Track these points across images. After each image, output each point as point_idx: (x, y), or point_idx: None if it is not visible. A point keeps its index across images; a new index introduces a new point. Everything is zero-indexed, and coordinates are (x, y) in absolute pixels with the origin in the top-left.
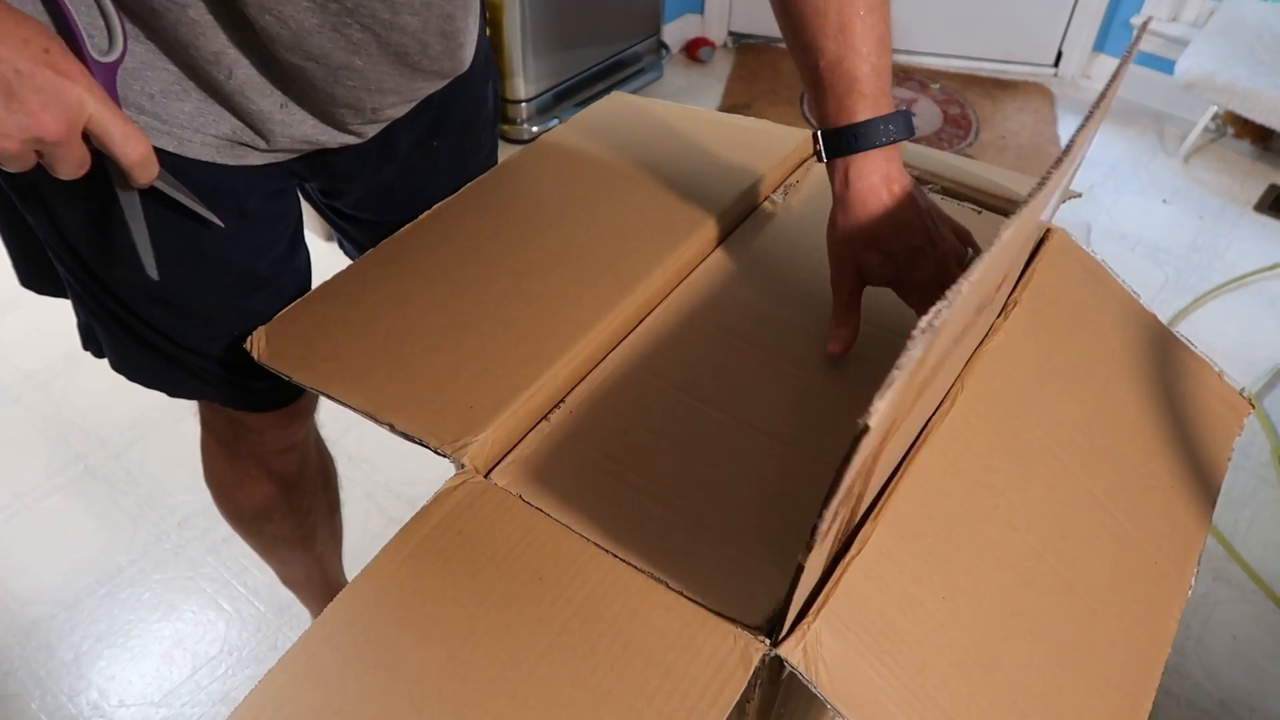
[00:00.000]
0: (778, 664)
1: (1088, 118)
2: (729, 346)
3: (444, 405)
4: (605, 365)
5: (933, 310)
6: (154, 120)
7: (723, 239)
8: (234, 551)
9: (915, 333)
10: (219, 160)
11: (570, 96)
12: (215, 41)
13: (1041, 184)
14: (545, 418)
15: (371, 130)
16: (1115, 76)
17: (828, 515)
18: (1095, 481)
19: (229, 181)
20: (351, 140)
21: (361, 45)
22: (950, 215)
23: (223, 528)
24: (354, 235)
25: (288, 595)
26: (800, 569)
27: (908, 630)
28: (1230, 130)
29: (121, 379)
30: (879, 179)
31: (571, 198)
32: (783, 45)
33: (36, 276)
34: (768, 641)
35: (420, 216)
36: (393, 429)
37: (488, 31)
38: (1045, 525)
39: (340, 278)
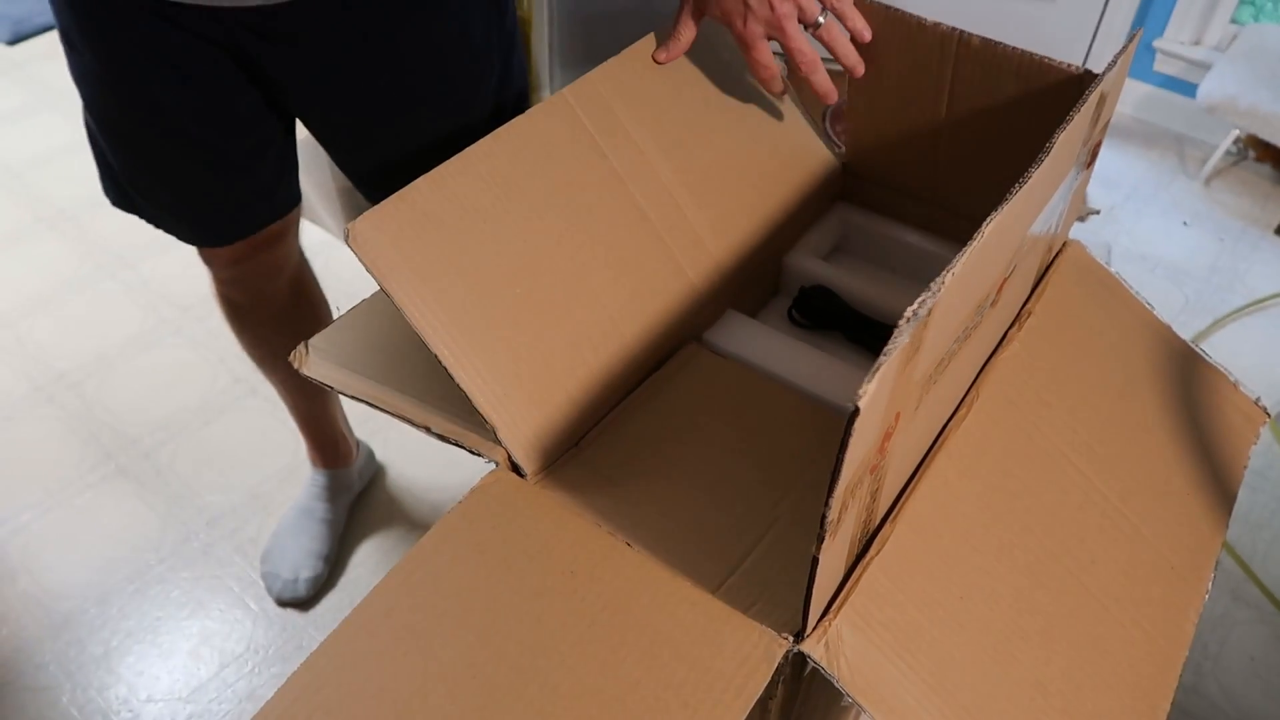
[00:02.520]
0: (800, 660)
1: (1067, 120)
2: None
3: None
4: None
5: (918, 300)
6: None
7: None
8: (261, 551)
9: (901, 322)
10: None
11: None
12: None
13: (1023, 181)
14: (602, 414)
15: None
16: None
17: (834, 504)
18: (1110, 487)
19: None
20: None
21: None
22: None
23: (250, 528)
24: (344, 161)
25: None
26: (815, 562)
27: (927, 628)
28: (1252, 154)
29: (152, 380)
30: None
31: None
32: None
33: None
34: (791, 638)
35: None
36: (429, 431)
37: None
38: (1061, 529)
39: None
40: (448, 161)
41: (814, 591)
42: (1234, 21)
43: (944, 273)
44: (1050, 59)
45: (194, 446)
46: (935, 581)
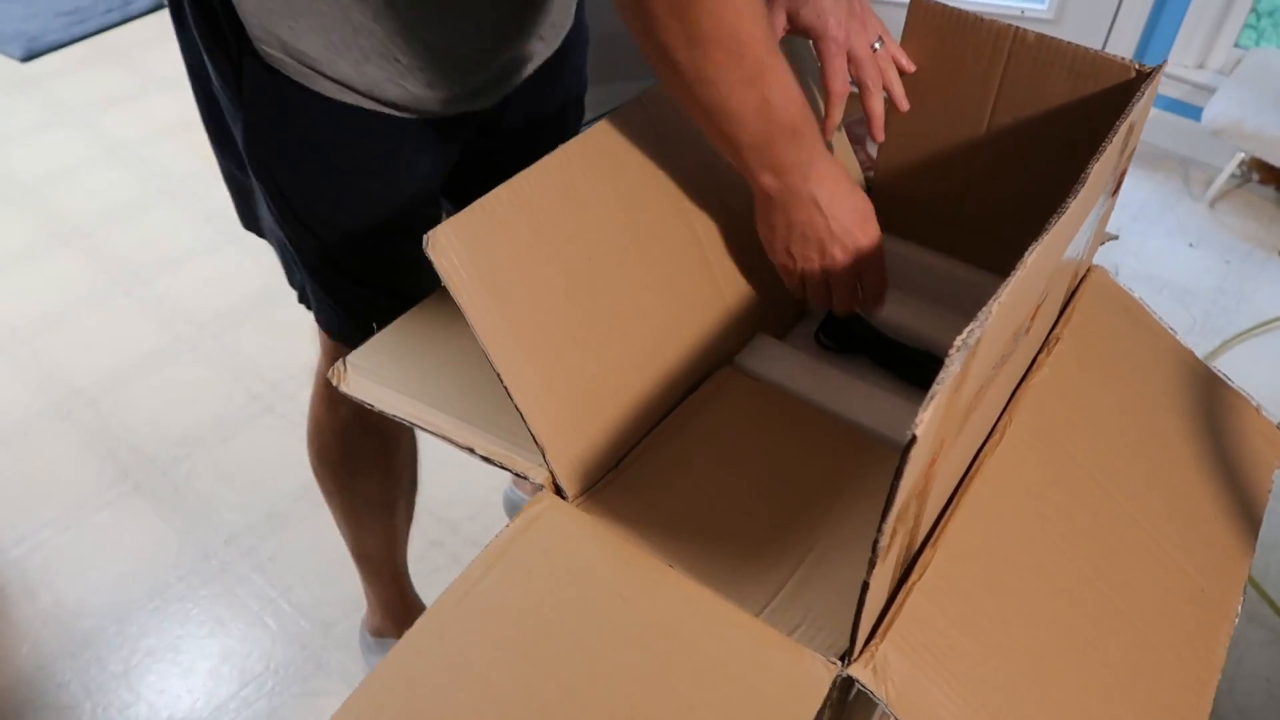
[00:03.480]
0: (847, 684)
1: (1101, 150)
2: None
3: (520, 427)
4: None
5: (966, 330)
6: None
7: None
8: (280, 569)
9: (952, 351)
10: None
11: None
12: None
13: (1061, 211)
14: (640, 437)
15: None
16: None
17: (886, 530)
18: (1140, 511)
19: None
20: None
21: None
22: None
23: (268, 546)
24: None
25: (333, 613)
26: (866, 587)
27: (968, 651)
28: (1256, 176)
29: (168, 397)
30: None
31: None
32: None
33: (249, 217)
34: (839, 663)
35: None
36: (472, 452)
37: None
38: (1094, 552)
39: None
40: (527, 170)
41: (862, 616)
42: (1238, 45)
43: (990, 302)
44: (1107, 54)
45: (211, 464)
46: (976, 605)
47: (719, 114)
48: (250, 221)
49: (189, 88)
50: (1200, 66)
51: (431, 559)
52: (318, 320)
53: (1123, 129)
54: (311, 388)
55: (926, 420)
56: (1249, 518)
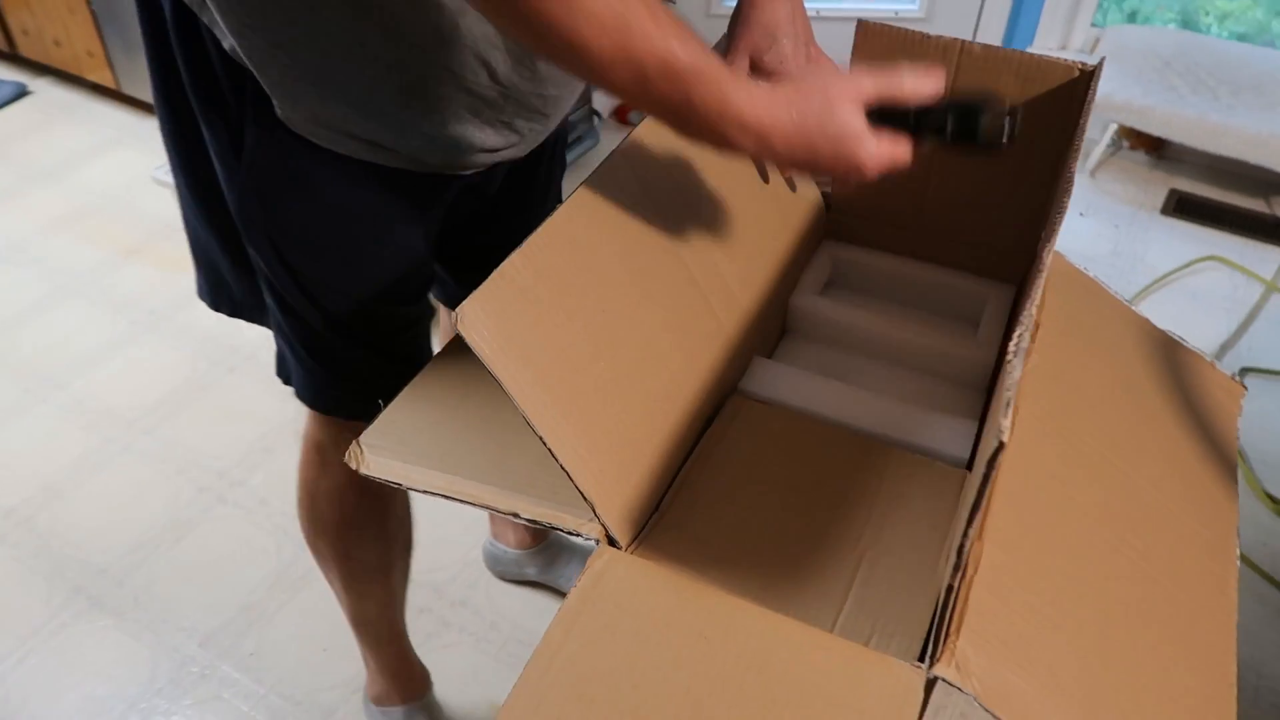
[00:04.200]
0: (929, 685)
1: (1075, 151)
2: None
3: (558, 484)
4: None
5: (1015, 336)
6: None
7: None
8: (264, 663)
9: (1010, 357)
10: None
11: None
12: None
13: (1059, 210)
14: (673, 476)
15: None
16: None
17: (972, 534)
18: (1143, 476)
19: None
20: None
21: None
22: None
23: (248, 641)
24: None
25: (331, 698)
26: (951, 590)
27: (1032, 635)
28: (1127, 144)
29: (109, 503)
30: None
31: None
32: None
33: (220, 296)
34: (924, 665)
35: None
36: (516, 517)
37: None
38: (1115, 521)
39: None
40: (535, 234)
41: (948, 618)
42: (1094, 25)
43: (1027, 305)
44: (1051, 57)
45: (169, 566)
46: (1029, 590)
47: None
48: (219, 300)
49: (71, 177)
50: (1063, 48)
51: (423, 626)
52: (303, 396)
53: (1083, 127)
54: (300, 454)
55: (1007, 426)
56: (1226, 465)
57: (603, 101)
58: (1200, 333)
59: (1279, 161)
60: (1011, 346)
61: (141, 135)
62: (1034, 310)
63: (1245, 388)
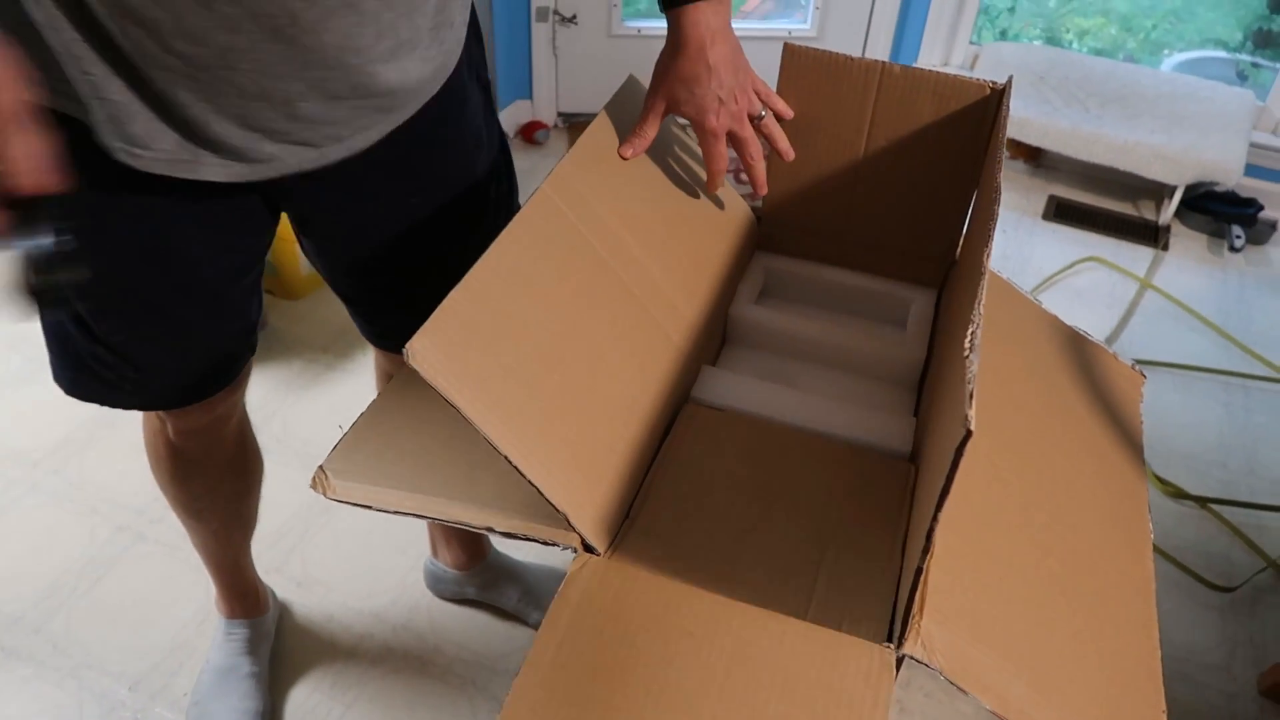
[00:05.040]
0: (899, 662)
1: (998, 163)
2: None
3: (525, 496)
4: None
5: (968, 333)
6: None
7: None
8: None
9: (966, 352)
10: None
11: None
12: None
13: (993, 217)
14: (639, 484)
15: (321, 145)
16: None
17: (941, 518)
18: (1066, 459)
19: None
20: (307, 159)
21: (236, 22)
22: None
23: (181, 681)
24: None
25: None
26: (919, 572)
27: (985, 612)
28: (1007, 154)
29: (18, 547)
30: (706, 31)
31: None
32: None
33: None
34: (892, 645)
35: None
36: (492, 531)
37: None
38: (1049, 502)
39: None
40: (475, 267)
41: (914, 599)
42: (973, 43)
43: (976, 305)
44: (965, 76)
45: (90, 609)
46: (978, 568)
47: None
48: (76, 387)
49: None
50: (945, 65)
51: (366, 652)
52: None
53: (1001, 141)
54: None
55: (974, 416)
56: (1134, 447)
57: (507, 121)
58: (1086, 328)
59: (1143, 167)
60: (966, 342)
61: None
62: (980, 309)
63: (1144, 376)
